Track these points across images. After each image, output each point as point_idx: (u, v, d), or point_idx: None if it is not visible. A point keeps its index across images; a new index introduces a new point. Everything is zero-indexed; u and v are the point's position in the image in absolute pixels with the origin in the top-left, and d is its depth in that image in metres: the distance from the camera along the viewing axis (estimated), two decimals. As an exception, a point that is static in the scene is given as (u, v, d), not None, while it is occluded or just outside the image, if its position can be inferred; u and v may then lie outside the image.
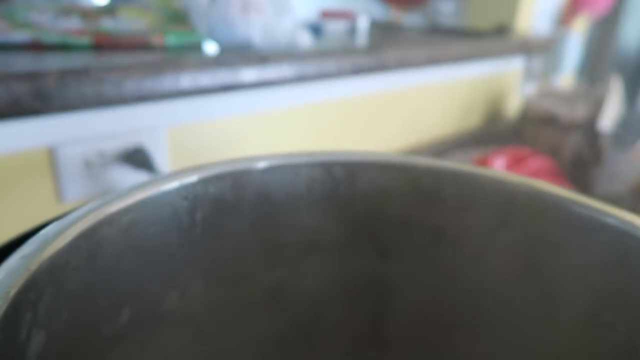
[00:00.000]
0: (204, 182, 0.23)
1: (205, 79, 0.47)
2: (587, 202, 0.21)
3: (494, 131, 1.03)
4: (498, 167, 0.74)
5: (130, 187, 0.21)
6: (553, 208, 0.22)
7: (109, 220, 0.20)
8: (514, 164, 0.76)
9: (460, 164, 0.26)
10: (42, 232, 0.17)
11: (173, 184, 0.22)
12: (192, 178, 0.22)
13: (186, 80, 0.46)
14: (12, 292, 0.14)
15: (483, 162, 0.75)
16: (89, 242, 0.19)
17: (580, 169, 0.88)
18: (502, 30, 0.98)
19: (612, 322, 0.21)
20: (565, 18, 1.11)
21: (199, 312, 0.26)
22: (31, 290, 0.15)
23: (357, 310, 0.30)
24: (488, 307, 0.25)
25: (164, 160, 0.50)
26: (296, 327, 0.30)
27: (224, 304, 0.27)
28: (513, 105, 1.09)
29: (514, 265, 0.24)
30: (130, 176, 0.47)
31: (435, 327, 0.29)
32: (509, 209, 0.24)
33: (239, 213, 0.25)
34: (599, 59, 1.45)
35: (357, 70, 0.64)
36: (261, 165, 0.25)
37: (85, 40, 0.48)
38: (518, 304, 0.24)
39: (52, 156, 0.43)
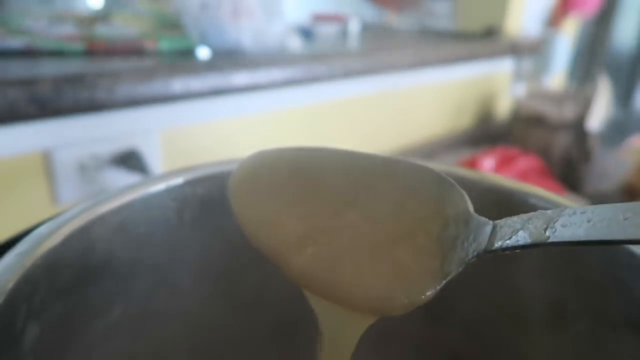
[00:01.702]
0: (191, 183, 0.24)
1: (197, 83, 0.49)
2: (542, 194, 0.22)
3: (485, 132, 1.04)
4: (487, 168, 0.75)
5: (120, 189, 0.22)
6: (510, 201, 0.23)
7: (100, 220, 0.21)
8: (503, 164, 0.78)
9: (433, 163, 0.27)
10: (37, 230, 0.18)
11: (160, 186, 0.23)
12: (179, 180, 0.23)
13: (178, 84, 0.47)
14: (9, 286, 0.16)
15: (472, 163, 0.76)
16: (81, 240, 0.20)
17: (569, 168, 0.90)
18: (491, 32, 0.99)
19: (577, 312, 0.22)
20: (554, 19, 1.12)
21: (189, 307, 0.27)
22: (26, 285, 0.17)
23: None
24: (456, 298, 0.26)
25: (157, 163, 0.51)
26: (284, 323, 0.31)
27: (213, 300, 0.28)
28: (503, 106, 1.11)
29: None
30: (123, 179, 0.48)
31: (418, 320, 0.30)
32: (477, 204, 0.25)
33: (226, 212, 0.26)
34: (589, 60, 1.47)
35: (348, 73, 0.65)
36: (246, 166, 0.26)
37: (79, 46, 0.49)
38: (484, 298, 0.25)
39: (47, 159, 0.44)
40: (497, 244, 0.16)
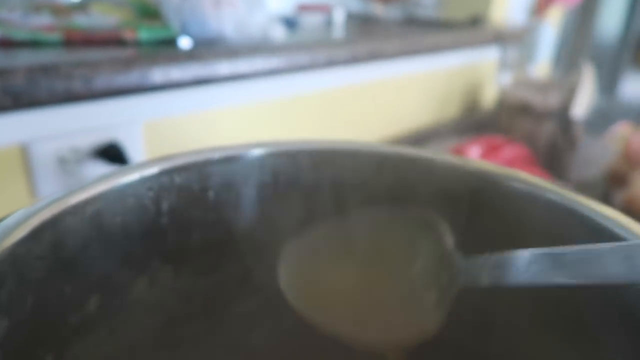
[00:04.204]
0: (168, 172, 0.24)
1: (178, 73, 0.48)
2: (528, 179, 0.22)
3: (471, 120, 1.04)
4: (473, 156, 0.75)
5: (94, 179, 0.21)
6: (495, 187, 0.23)
7: (73, 210, 0.20)
8: (489, 152, 0.78)
9: (419, 149, 0.26)
10: (3, 222, 0.18)
11: (135, 175, 0.22)
12: (154, 169, 0.23)
13: (158, 74, 0.46)
14: (-28, 279, 0.15)
15: (458, 152, 0.76)
16: (53, 231, 0.19)
17: (555, 156, 0.90)
18: (477, 21, 0.99)
19: (560, 297, 0.22)
20: (539, 8, 1.12)
21: (168, 300, 0.26)
22: (-9, 278, 0.16)
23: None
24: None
25: (139, 155, 0.50)
26: (265, 314, 0.31)
27: (193, 292, 0.27)
28: (489, 95, 1.11)
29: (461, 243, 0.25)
30: (104, 171, 0.48)
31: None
32: (462, 189, 0.25)
33: (205, 203, 0.26)
34: (573, 48, 1.48)
35: (332, 63, 0.65)
36: (225, 155, 0.25)
37: (55, 36, 0.48)
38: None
39: (24, 153, 0.43)
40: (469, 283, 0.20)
